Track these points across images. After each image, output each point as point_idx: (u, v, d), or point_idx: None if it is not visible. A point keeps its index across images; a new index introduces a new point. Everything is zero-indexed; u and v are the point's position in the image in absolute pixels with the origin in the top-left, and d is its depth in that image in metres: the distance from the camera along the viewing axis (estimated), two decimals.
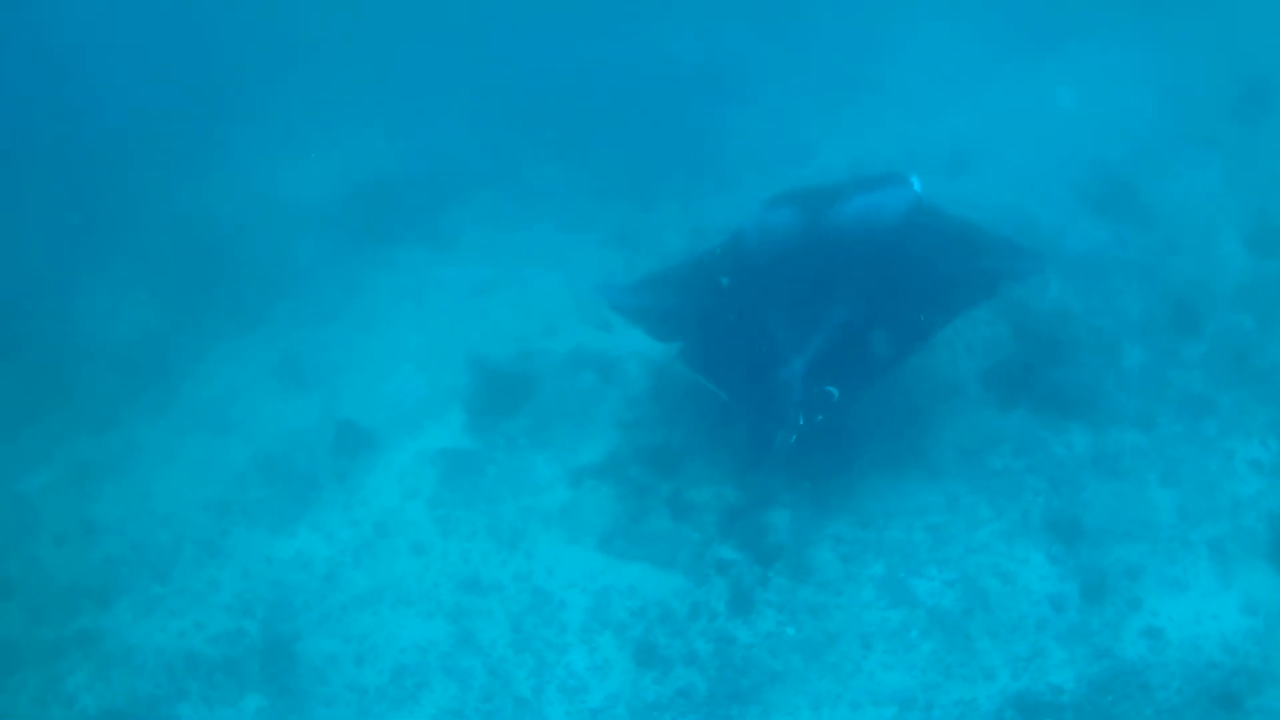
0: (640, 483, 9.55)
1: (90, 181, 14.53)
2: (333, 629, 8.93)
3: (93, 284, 12.85)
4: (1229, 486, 8.95)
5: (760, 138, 14.22)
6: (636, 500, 9.42)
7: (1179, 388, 9.76)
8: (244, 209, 13.86)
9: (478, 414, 10.45)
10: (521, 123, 15.14)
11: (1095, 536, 8.68)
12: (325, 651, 8.79)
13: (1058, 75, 14.54)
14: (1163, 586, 8.36)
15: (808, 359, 8.64)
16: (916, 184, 9.52)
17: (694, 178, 13.56)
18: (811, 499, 9.20)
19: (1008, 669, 8.01)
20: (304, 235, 13.29)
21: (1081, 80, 14.33)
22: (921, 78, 15.03)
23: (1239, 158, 12.41)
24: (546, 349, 11.07)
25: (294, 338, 11.78)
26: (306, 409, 10.90)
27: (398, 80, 16.37)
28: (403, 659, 8.66)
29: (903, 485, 9.22)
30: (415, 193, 13.95)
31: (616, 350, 10.86)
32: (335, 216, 13.61)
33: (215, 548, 9.73)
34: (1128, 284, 10.90)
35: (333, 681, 8.59)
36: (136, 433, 10.98)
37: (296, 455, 10.42)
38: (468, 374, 10.81)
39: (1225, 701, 7.66)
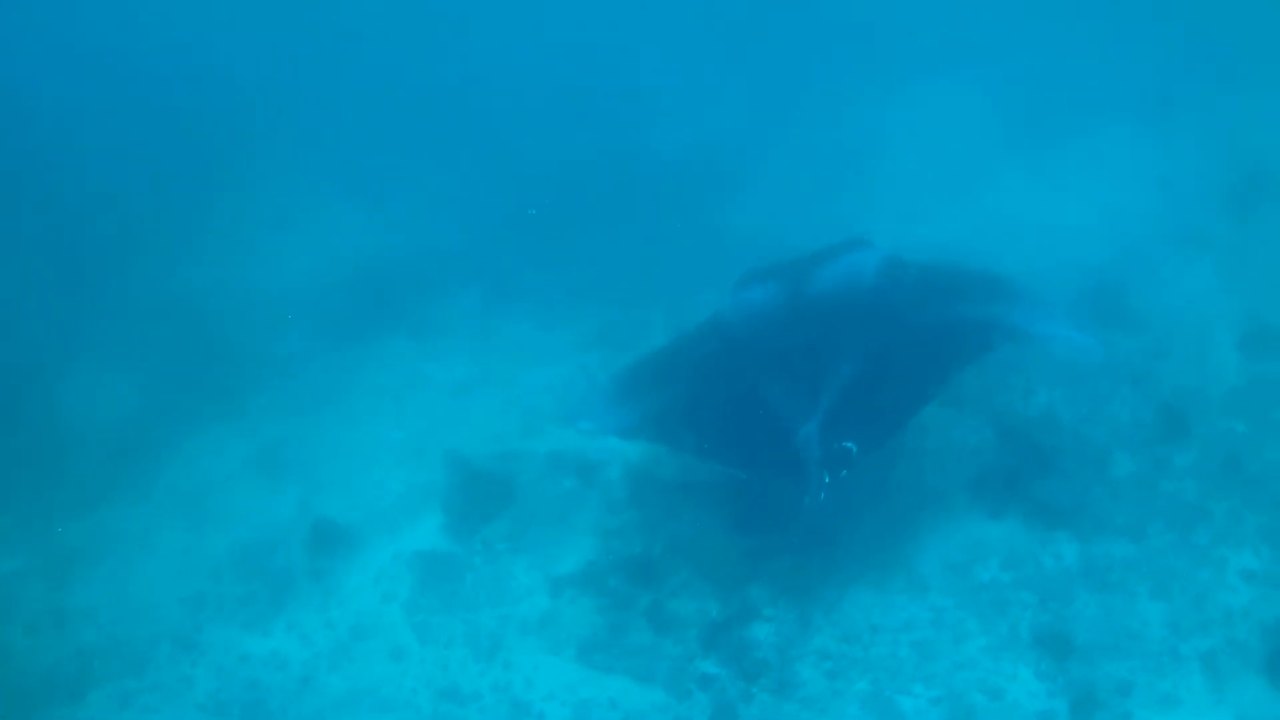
0: (620, 594, 9.41)
1: (78, 268, 14.56)
2: None
3: (78, 369, 12.80)
4: (1221, 597, 8.77)
5: (748, 237, 14.04)
6: (617, 612, 9.27)
7: (1170, 496, 9.59)
8: (230, 296, 13.88)
9: (457, 516, 10.34)
10: (507, 219, 15.18)
11: (1085, 651, 8.49)
12: None
13: (1052, 175, 14.59)
14: (1154, 702, 8.16)
15: (821, 418, 8.64)
16: (879, 246, 9.84)
17: (679, 276, 13.46)
18: (795, 613, 9.04)
19: None
20: (288, 324, 13.25)
21: (1075, 179, 14.36)
22: (914, 178, 15.06)
23: (1230, 258, 12.32)
24: (527, 450, 11.00)
25: (274, 430, 11.75)
26: (284, 503, 10.83)
27: (386, 173, 16.50)
28: None
29: (888, 598, 9.06)
30: (400, 285, 13.99)
31: (597, 453, 10.76)
32: (320, 306, 13.64)
33: (190, 643, 9.60)
34: (1117, 389, 10.76)
35: None
36: (113, 521, 10.91)
37: (273, 551, 10.33)
38: (447, 474, 10.72)
39: None
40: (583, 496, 10.42)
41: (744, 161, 16.17)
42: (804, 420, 8.69)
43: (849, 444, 8.52)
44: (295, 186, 15.99)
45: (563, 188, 15.53)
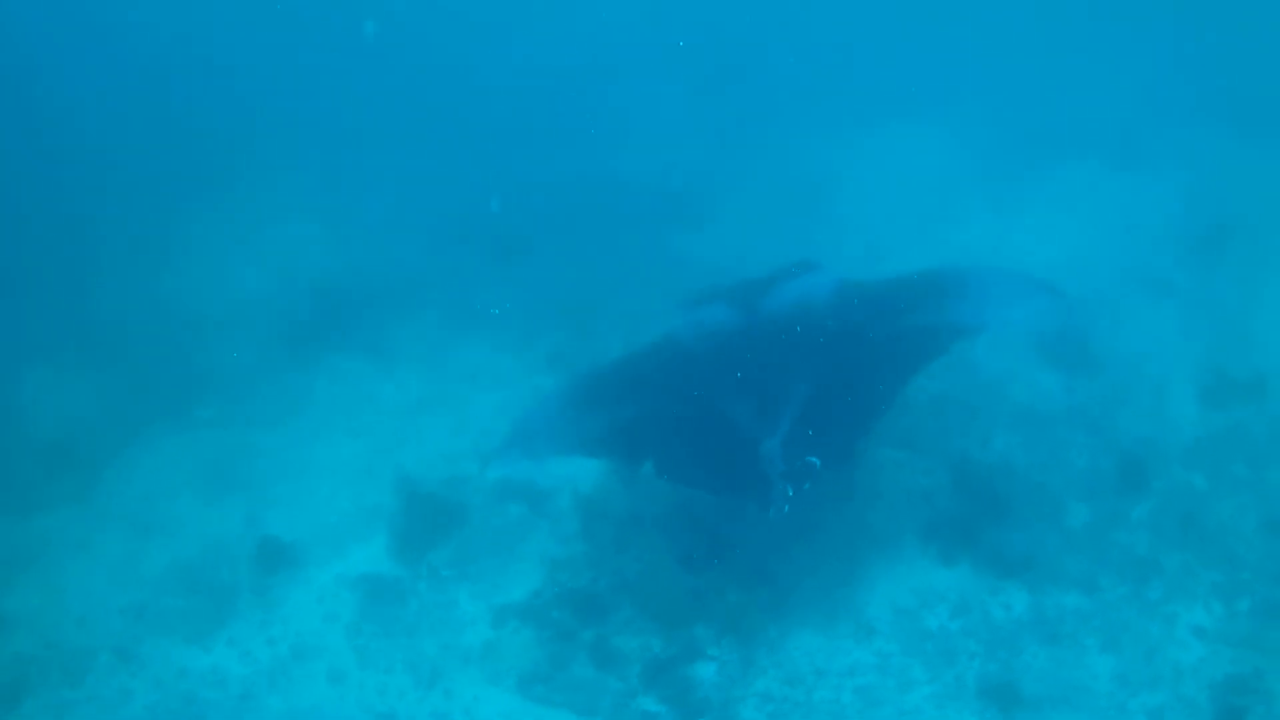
0: (564, 626, 9.30)
1: (35, 272, 14.41)
2: None
3: (30, 373, 12.62)
4: (1170, 653, 8.71)
5: (709, 267, 13.82)
6: (559, 644, 9.15)
7: (1123, 548, 9.54)
8: (187, 307, 13.67)
9: (402, 539, 10.21)
10: (469, 240, 15.09)
11: (1031, 703, 8.39)
12: None
13: (1017, 216, 14.58)
14: None
15: (782, 434, 8.63)
16: (829, 270, 10.09)
17: (637, 303, 13.18)
18: (739, 653, 8.93)
19: None
20: (246, 337, 13.09)
21: (1041, 221, 14.36)
22: (879, 215, 14.96)
23: (1194, 307, 12.33)
24: (477, 475, 10.86)
25: (223, 443, 11.58)
26: (230, 516, 10.66)
27: (347, 190, 16.42)
28: None
29: (834, 642, 8.96)
30: (356, 303, 13.85)
31: (548, 480, 10.63)
32: (276, 321, 13.43)
33: (129, 654, 9.43)
34: (1074, 437, 10.71)
35: None
36: (57, 526, 10.70)
37: (216, 564, 10.17)
38: (395, 496, 10.60)
39: None
40: (532, 525, 10.31)
41: (708, 194, 16.08)
42: (766, 436, 8.67)
43: (812, 458, 8.50)
44: (256, 200, 15.85)
45: (524, 211, 15.44)
